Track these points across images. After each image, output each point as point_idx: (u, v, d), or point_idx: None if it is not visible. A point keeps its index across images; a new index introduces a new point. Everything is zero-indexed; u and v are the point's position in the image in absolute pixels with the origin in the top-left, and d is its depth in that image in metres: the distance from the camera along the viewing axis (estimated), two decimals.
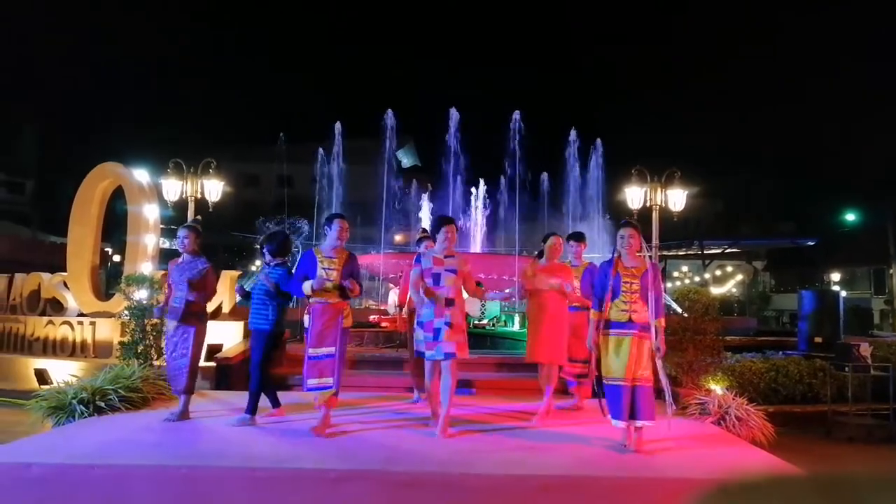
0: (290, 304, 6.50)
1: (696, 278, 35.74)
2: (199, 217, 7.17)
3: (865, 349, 8.16)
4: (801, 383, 8.59)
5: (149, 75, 62.60)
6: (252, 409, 5.76)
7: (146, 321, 7.90)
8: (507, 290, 14.13)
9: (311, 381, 5.40)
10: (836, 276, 35.38)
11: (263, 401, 5.93)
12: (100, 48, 59.97)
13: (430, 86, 67.70)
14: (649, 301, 5.00)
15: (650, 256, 5.38)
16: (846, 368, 8.01)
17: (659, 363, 5.01)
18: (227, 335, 9.15)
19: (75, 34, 59.11)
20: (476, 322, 12.70)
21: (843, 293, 15.28)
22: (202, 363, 6.84)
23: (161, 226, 10.96)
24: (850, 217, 35.24)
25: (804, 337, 10.06)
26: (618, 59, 71.11)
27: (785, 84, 56.25)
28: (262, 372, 5.85)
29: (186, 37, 67.64)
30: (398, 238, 26.43)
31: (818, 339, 9.72)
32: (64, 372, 8.79)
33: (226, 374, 8.35)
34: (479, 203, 21.87)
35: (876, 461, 6.66)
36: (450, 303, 5.46)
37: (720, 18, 68.25)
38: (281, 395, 6.32)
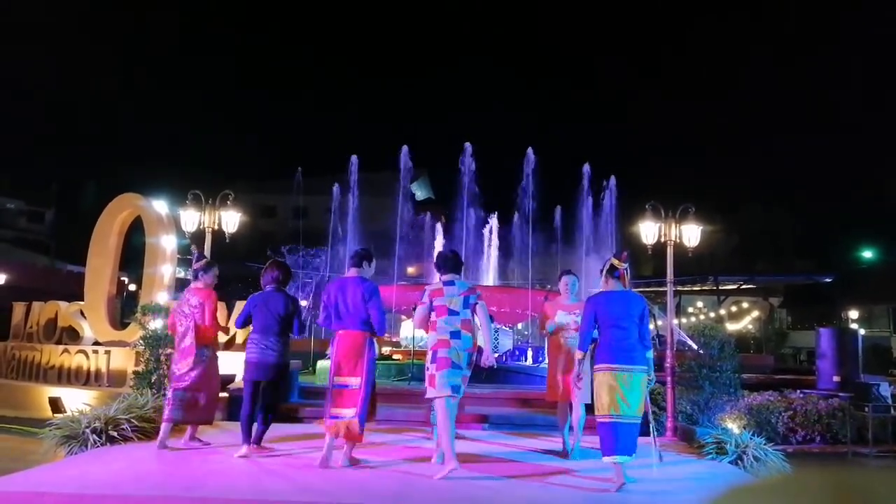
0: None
1: (711, 314, 35.35)
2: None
3: (886, 389, 8.03)
4: (820, 423, 8.44)
5: (172, 109, 63.92)
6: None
7: (160, 351, 7.92)
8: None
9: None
10: (854, 314, 34.80)
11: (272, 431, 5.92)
12: (121, 81, 61.44)
13: (444, 119, 68.50)
14: None
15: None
16: (866, 408, 7.87)
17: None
18: (240, 366, 9.12)
19: (98, 66, 60.66)
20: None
21: (862, 331, 15.04)
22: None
23: (178, 255, 11.08)
24: (869, 254, 34.88)
25: (823, 375, 9.91)
26: (635, 94, 71.66)
27: (806, 124, 56.34)
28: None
29: (208, 71, 69.20)
30: (411, 270, 26.48)
31: (837, 378, 9.56)
32: (78, 400, 8.81)
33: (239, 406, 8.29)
34: (493, 236, 21.88)
35: None
36: None
37: (738, 50, 68.83)
38: (291, 426, 6.30)
